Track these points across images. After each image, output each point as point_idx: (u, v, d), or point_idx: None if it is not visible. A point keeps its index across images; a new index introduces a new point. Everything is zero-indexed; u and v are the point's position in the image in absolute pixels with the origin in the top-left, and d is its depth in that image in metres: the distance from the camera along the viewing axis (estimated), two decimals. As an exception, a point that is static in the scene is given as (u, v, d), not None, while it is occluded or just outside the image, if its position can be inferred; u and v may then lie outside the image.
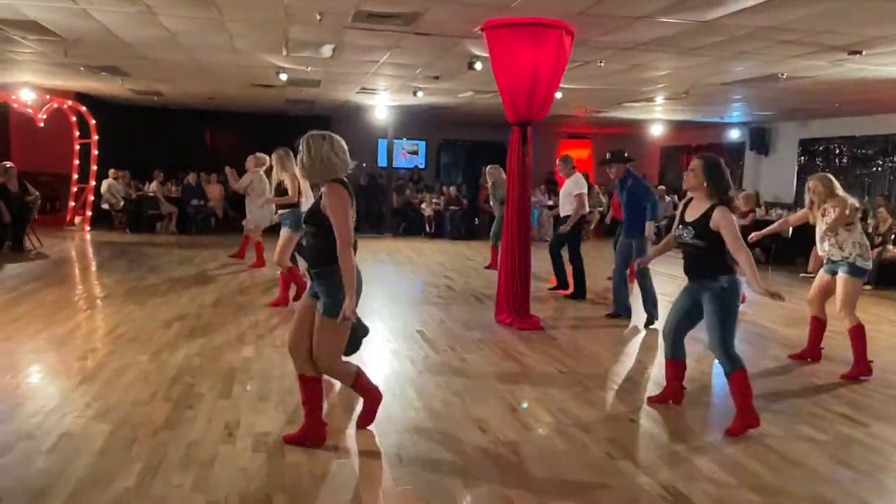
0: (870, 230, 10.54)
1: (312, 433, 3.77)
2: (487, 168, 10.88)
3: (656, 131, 17.21)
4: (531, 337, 6.46)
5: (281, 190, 7.32)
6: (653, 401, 4.65)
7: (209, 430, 3.96)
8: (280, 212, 7.42)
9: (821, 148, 15.21)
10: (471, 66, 8.53)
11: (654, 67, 8.92)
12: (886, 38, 6.80)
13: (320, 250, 3.57)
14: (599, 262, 11.12)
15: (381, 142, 19.89)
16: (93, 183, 14.04)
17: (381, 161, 18.50)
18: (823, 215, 5.52)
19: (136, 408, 4.27)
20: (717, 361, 4.31)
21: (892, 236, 10.34)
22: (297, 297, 7.40)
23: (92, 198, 14.01)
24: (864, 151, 14.20)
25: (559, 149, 21.60)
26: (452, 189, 15.56)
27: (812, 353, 5.87)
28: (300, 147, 3.57)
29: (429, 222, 15.29)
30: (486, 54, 8.20)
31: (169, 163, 16.52)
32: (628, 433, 4.17)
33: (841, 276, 5.44)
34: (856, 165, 14.37)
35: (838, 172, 14.74)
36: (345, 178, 3.60)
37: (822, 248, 5.58)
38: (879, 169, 13.85)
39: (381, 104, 14.74)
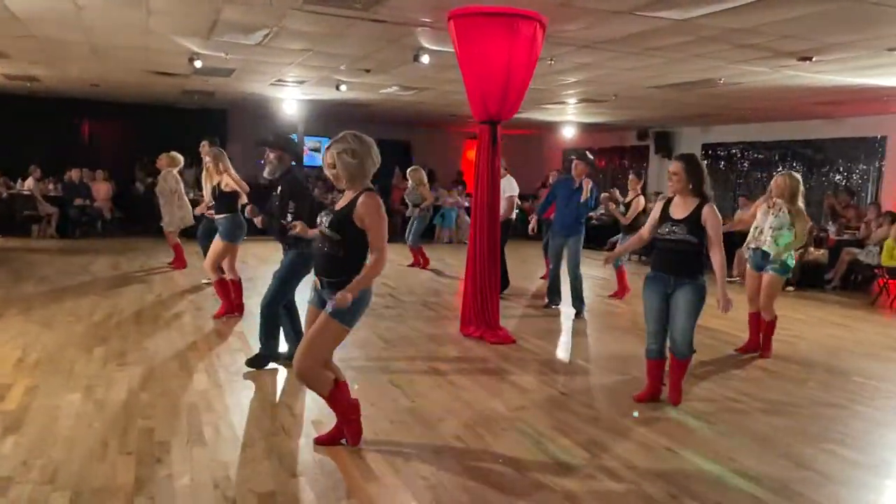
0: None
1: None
2: (409, 170, 10.62)
3: (567, 133, 17.26)
4: (508, 352, 5.99)
5: (222, 194, 6.49)
6: (637, 398, 4.72)
7: (197, 493, 3.19)
8: (216, 217, 6.56)
9: (723, 152, 15.76)
10: (416, 58, 7.95)
11: (601, 67, 8.71)
12: (841, 45, 6.87)
13: (341, 260, 3.43)
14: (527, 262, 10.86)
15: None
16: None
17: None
18: (770, 208, 5.90)
19: (91, 466, 3.42)
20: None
21: (812, 239, 10.74)
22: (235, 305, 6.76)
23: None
24: (763, 156, 14.82)
25: (463, 150, 21.40)
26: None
27: (755, 344, 6.20)
28: (336, 146, 3.39)
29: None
30: (437, 47, 7.79)
31: (41, 157, 14.67)
32: (677, 467, 3.77)
33: (769, 274, 5.91)
34: (756, 169, 14.98)
35: (739, 176, 15.49)
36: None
37: (759, 239, 5.93)
38: (778, 173, 14.46)
39: (291, 98, 13.78)
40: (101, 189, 13.57)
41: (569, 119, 16.18)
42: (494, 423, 4.25)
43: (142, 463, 3.47)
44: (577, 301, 7.55)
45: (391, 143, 19.88)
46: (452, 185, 18.73)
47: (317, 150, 20.11)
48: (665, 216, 4.47)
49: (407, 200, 10.74)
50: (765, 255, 5.93)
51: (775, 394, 5.12)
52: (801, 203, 5.90)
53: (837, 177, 13.27)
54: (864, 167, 12.77)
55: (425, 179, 10.69)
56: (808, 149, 13.78)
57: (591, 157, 7.77)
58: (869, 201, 12.19)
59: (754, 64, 7.96)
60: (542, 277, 9.81)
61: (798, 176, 5.95)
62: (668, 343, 4.60)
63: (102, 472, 3.35)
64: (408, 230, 10.79)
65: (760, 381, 5.47)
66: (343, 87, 11.12)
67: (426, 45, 7.75)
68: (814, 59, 7.46)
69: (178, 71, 10.71)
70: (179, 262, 9.56)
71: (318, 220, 3.53)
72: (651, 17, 6.06)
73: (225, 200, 6.43)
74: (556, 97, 12.09)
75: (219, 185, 6.44)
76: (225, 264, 6.67)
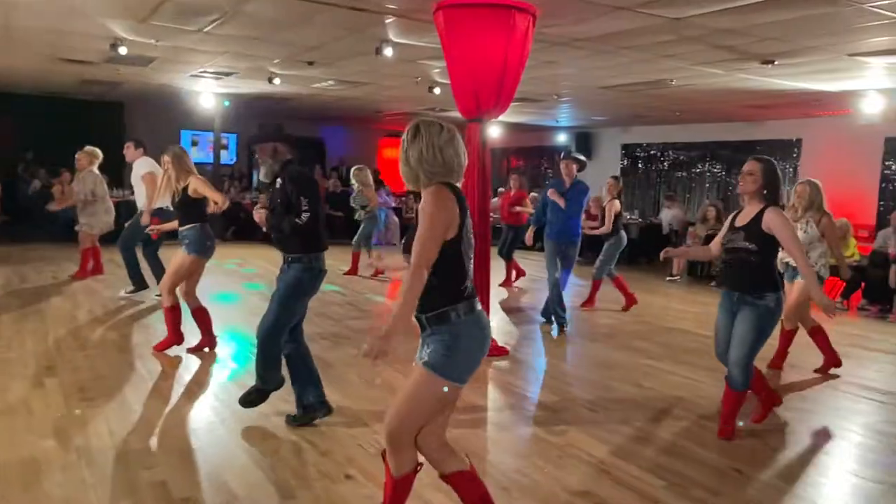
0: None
1: None
2: (353, 169, 10.04)
3: (493, 133, 17.08)
4: (509, 367, 5.63)
5: (188, 200, 5.43)
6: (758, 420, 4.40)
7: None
8: (181, 229, 5.47)
9: (642, 153, 16.12)
10: (379, 50, 7.42)
11: (562, 66, 8.52)
12: (808, 49, 6.98)
13: (433, 287, 2.48)
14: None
15: (183, 133, 17.61)
16: None
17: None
18: (796, 221, 5.50)
19: (115, 540, 2.77)
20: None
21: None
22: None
23: None
24: (683, 156, 15.26)
25: (378, 148, 20.84)
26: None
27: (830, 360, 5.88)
28: (408, 137, 2.60)
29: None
30: (404, 40, 7.32)
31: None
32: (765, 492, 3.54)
33: (799, 281, 5.50)
34: (676, 170, 15.41)
35: (660, 176, 15.89)
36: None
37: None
38: (696, 173, 14.97)
39: (208, 91, 12.79)
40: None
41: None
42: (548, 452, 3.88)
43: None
44: (556, 313, 7.09)
45: (304, 141, 19.13)
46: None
47: (225, 146, 18.96)
48: (731, 226, 4.14)
49: (353, 204, 10.13)
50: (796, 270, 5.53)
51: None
52: (826, 207, 5.58)
53: (756, 177, 13.82)
54: (781, 168, 13.34)
55: (370, 180, 10.07)
56: (727, 150, 14.30)
57: (582, 157, 7.47)
58: (786, 200, 12.75)
59: (716, 66, 8.01)
60: (500, 285, 9.51)
61: (817, 182, 5.70)
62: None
63: (131, 547, 2.72)
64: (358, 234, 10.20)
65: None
66: (276, 81, 10.36)
67: (392, 37, 7.25)
68: (776, 63, 7.58)
69: (90, 58, 9.61)
70: (83, 272, 8.59)
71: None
72: (648, 13, 5.87)
73: (193, 208, 5.47)
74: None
75: (185, 190, 5.44)
76: (182, 288, 5.56)
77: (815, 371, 5.80)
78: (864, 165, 11.82)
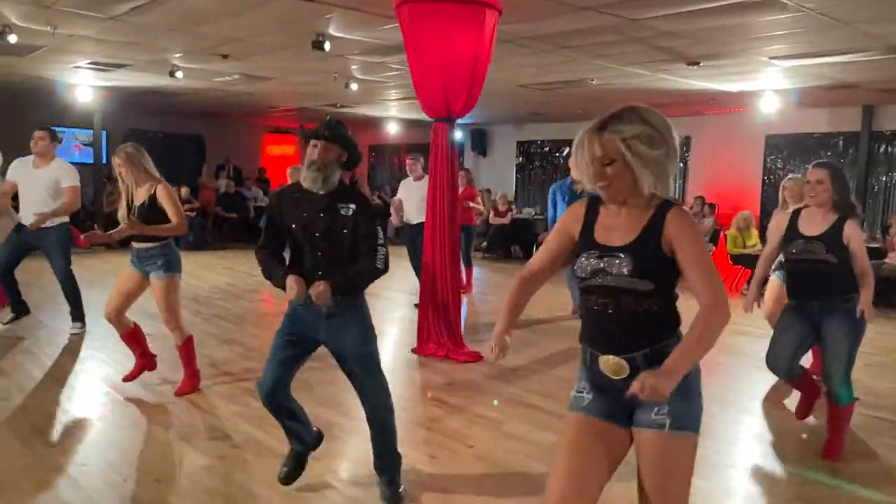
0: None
1: None
2: (289, 170, 9.29)
3: (392, 129, 16.79)
4: (492, 372, 5.47)
5: (154, 212, 4.39)
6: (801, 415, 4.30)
7: None
8: (143, 247, 4.44)
9: (537, 150, 16.46)
10: (318, 45, 6.98)
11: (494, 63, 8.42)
12: (733, 52, 7.35)
13: (655, 316, 1.99)
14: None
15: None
16: None
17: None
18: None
19: None
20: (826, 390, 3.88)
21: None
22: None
23: None
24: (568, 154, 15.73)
25: (263, 144, 19.91)
26: (185, 190, 13.05)
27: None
28: (619, 127, 1.98)
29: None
30: (344, 34, 6.95)
31: None
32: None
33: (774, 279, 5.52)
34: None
35: (556, 171, 16.28)
36: None
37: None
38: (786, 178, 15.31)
39: (86, 84, 11.59)
40: None
41: (392, 115, 15.75)
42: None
43: None
44: None
45: (184, 137, 17.92)
46: (260, 184, 17.36)
47: (91, 144, 17.33)
48: (795, 232, 3.84)
49: None
50: None
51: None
52: None
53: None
54: (671, 163, 14.11)
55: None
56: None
57: None
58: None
59: (644, 67, 8.26)
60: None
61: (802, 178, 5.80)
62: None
63: None
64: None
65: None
66: (179, 74, 9.54)
67: (332, 31, 6.86)
68: (701, 64, 7.92)
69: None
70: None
71: (581, 266, 2.07)
72: (609, 14, 5.91)
73: (160, 219, 4.42)
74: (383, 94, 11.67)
75: (152, 199, 4.39)
76: (115, 306, 4.57)
77: None
78: (748, 162, 12.69)
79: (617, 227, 2.05)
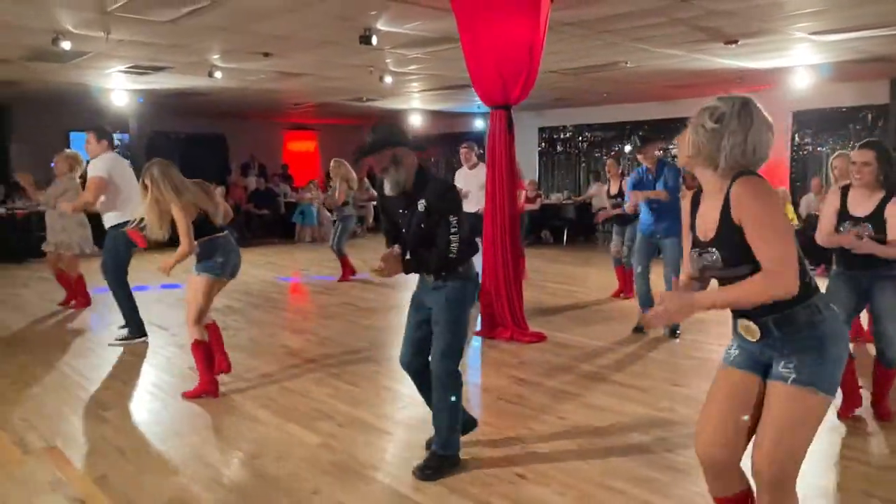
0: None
1: None
2: (332, 163, 9.38)
3: (415, 122, 16.91)
4: (557, 350, 5.64)
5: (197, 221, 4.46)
6: (843, 415, 4.09)
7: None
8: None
9: (559, 136, 16.57)
10: (365, 39, 7.13)
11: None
12: (770, 29, 7.44)
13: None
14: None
15: (73, 135, 16.16)
16: None
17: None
18: None
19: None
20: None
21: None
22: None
23: None
24: (600, 136, 15.84)
25: (283, 141, 20.09)
26: (220, 190, 13.20)
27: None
28: (728, 127, 2.11)
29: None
30: (391, 28, 7.09)
31: None
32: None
33: None
34: (594, 149, 15.97)
35: (580, 156, 16.41)
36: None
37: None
38: (615, 152, 15.59)
39: (120, 88, 11.78)
40: None
41: (415, 107, 15.87)
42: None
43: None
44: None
45: (206, 137, 18.11)
46: (281, 180, 17.52)
47: (120, 147, 17.53)
48: (844, 212, 3.91)
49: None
50: None
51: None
52: None
53: (658, 153, 14.64)
54: (695, 143, 14.19)
55: (353, 174, 9.29)
56: (641, 129, 15.00)
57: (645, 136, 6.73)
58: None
59: (679, 48, 8.36)
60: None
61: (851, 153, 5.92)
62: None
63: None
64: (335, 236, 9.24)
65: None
66: (218, 74, 9.71)
67: (381, 25, 7.00)
68: (739, 43, 8.01)
69: (7, 55, 8.60)
70: (84, 298, 7.43)
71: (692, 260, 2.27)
72: (659, -5, 6.04)
73: (202, 226, 4.51)
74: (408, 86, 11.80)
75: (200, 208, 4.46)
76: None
77: None
78: (776, 137, 12.74)
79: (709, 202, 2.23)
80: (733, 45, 8.12)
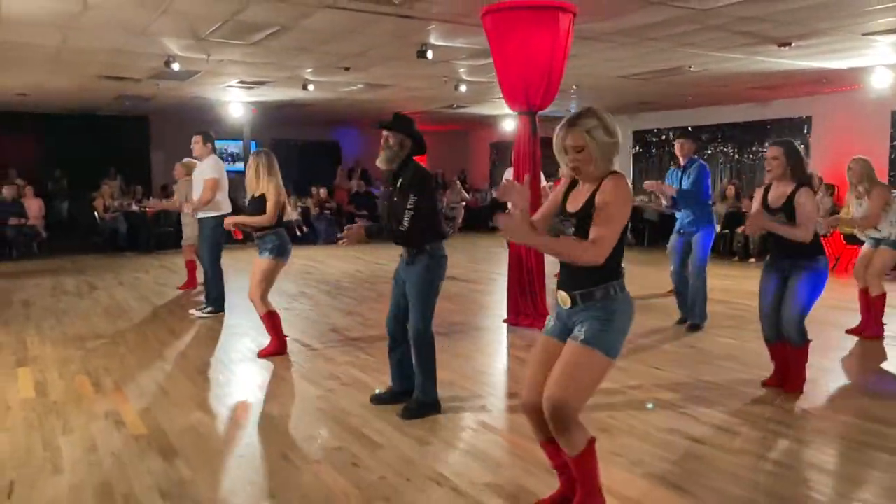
0: (744, 210, 11.70)
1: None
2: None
3: (508, 126, 17.53)
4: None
5: (258, 206, 5.48)
6: (768, 384, 4.63)
7: None
8: (258, 235, 5.51)
9: (653, 139, 16.60)
10: (421, 54, 7.91)
11: (582, 58, 8.98)
12: (822, 31, 7.46)
13: (593, 267, 2.63)
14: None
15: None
16: None
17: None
18: (858, 197, 5.91)
19: None
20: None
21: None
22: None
23: None
24: (693, 139, 15.70)
25: (390, 146, 21.28)
26: (322, 191, 14.52)
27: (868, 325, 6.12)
28: (584, 123, 2.62)
29: (298, 228, 14.11)
30: (444, 42, 7.81)
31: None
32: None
33: (882, 248, 5.90)
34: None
35: (672, 159, 16.35)
36: None
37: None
38: (709, 155, 15.45)
39: (237, 100, 13.28)
40: (34, 206, 12.56)
41: (507, 112, 16.46)
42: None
43: None
44: (688, 307, 6.44)
45: (321, 144, 19.65)
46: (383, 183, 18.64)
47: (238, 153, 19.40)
48: (764, 203, 4.45)
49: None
50: (877, 241, 5.98)
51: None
52: (877, 179, 5.90)
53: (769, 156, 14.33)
54: (791, 145, 13.84)
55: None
56: (737, 130, 14.80)
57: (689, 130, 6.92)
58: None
59: (734, 51, 8.49)
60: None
61: (866, 158, 6.00)
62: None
63: None
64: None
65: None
66: (311, 87, 10.85)
67: (434, 41, 7.75)
68: (792, 45, 8.06)
69: (135, 75, 10.12)
70: (192, 281, 8.68)
71: (555, 225, 2.81)
72: (677, 6, 6.36)
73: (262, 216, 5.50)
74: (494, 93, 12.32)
75: (262, 196, 5.46)
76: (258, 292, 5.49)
77: (848, 331, 6.14)
78: (873, 139, 12.28)
79: (579, 195, 2.76)
80: (787, 48, 8.16)
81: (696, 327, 6.31)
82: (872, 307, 6.06)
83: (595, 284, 2.66)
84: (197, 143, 7.30)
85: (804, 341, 4.45)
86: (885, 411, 4.18)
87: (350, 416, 4.13)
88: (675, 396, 4.47)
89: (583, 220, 2.67)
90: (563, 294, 2.75)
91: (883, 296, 6.00)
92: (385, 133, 4.07)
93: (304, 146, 19.77)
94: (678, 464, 3.43)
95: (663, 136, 16.37)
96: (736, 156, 14.97)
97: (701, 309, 6.34)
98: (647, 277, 9.57)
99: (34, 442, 3.74)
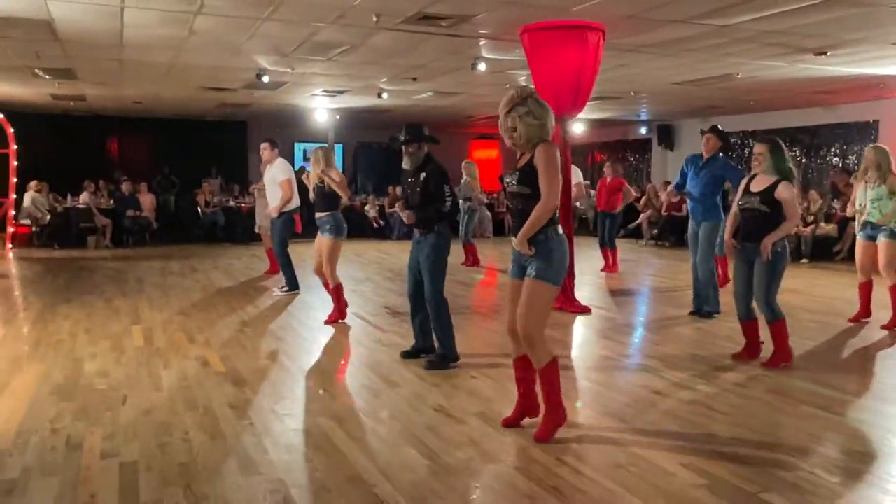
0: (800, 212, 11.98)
1: (532, 409, 3.80)
2: (463, 163, 11.21)
3: (577, 130, 18.20)
4: (594, 323, 6.91)
5: (324, 193, 6.63)
6: (736, 356, 5.28)
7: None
8: (318, 216, 6.66)
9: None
10: (474, 66, 8.86)
11: (633, 67, 9.66)
12: (853, 41, 7.88)
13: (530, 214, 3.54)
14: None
15: (296, 146, 19.68)
16: (13, 196, 12.83)
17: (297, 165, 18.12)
18: (867, 183, 6.33)
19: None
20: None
21: (822, 215, 11.80)
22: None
23: (13, 212, 12.81)
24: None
25: (469, 149, 22.31)
26: (398, 189, 15.64)
27: (866, 313, 6.60)
28: (517, 110, 3.52)
29: (376, 222, 15.34)
30: (494, 56, 8.71)
31: (76, 172, 15.27)
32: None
33: (882, 240, 6.28)
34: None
35: (740, 163, 16.54)
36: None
37: (864, 214, 6.37)
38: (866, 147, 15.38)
39: (322, 107, 14.62)
40: (147, 200, 14.29)
41: (578, 116, 17.09)
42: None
43: None
44: (699, 299, 6.92)
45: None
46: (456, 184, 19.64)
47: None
48: (746, 189, 5.07)
49: (458, 195, 11.28)
50: (874, 226, 6.30)
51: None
52: (893, 171, 6.18)
53: (835, 159, 14.40)
54: (858, 149, 13.87)
55: (477, 173, 11.09)
56: (805, 134, 14.92)
57: (722, 131, 7.18)
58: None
59: (774, 59, 8.97)
60: (601, 270, 10.34)
61: (884, 147, 6.40)
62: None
63: None
64: (461, 226, 10.82)
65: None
66: (385, 95, 11.98)
67: (485, 54, 8.66)
68: (829, 54, 8.48)
69: (233, 86, 11.52)
70: (273, 266, 9.57)
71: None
72: (700, 23, 7.02)
73: (329, 198, 6.62)
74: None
75: (324, 184, 6.55)
76: (316, 263, 6.72)
77: (882, 327, 6.36)
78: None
79: (522, 160, 3.71)
80: (824, 56, 8.59)
81: (708, 314, 6.90)
82: (893, 299, 6.33)
83: (539, 232, 3.54)
84: (265, 150, 8.43)
85: (775, 318, 5.06)
86: (841, 381, 4.79)
87: (382, 366, 5.12)
88: (659, 363, 5.22)
89: (524, 175, 3.60)
90: (514, 240, 3.67)
91: None
92: (408, 145, 5.11)
93: (388, 148, 21.01)
94: (633, 406, 4.23)
95: (732, 139, 16.56)
96: (803, 159, 15.08)
97: (713, 298, 6.89)
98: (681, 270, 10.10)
99: (142, 373, 4.93)
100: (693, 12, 6.65)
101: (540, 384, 3.67)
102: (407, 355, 5.31)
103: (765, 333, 5.22)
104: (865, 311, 6.64)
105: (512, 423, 3.82)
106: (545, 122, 3.58)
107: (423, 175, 5.04)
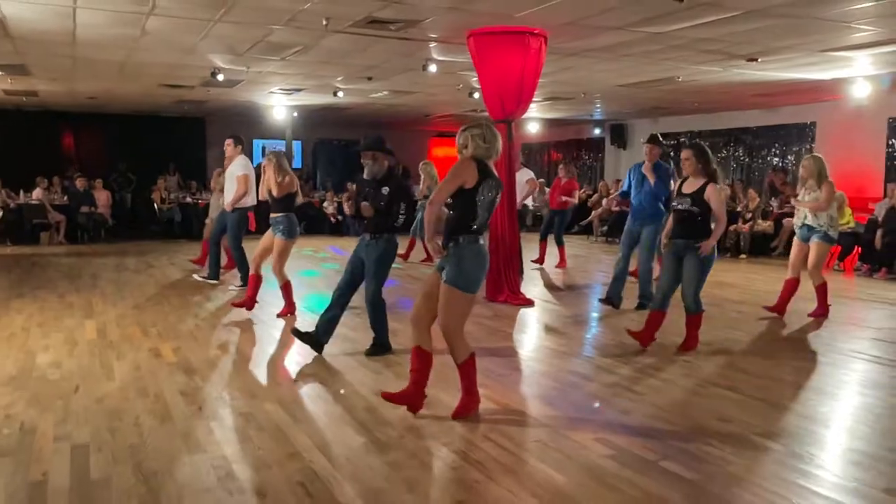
0: (738, 209, 12.54)
1: (414, 399, 4.00)
2: (420, 164, 11.44)
3: (533, 129, 18.63)
4: (535, 313, 7.26)
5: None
6: (632, 333, 5.67)
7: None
8: (273, 216, 6.78)
9: (671, 141, 17.40)
10: (425, 67, 9.13)
11: (579, 70, 10.05)
12: (783, 48, 8.37)
13: (450, 221, 3.86)
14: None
15: (255, 142, 19.71)
16: (-36, 193, 12.74)
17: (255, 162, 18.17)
18: (807, 190, 6.75)
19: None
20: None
21: (760, 213, 12.37)
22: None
23: (-36, 209, 12.72)
24: (709, 143, 16.38)
25: (429, 147, 22.61)
26: (356, 186, 15.85)
27: (781, 309, 6.99)
28: (472, 130, 3.87)
29: (334, 218, 15.54)
30: (444, 58, 9.00)
31: (29, 168, 15.17)
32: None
33: (814, 241, 6.70)
34: (703, 155, 16.63)
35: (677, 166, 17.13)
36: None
37: (800, 215, 6.85)
38: (722, 158, 16.19)
39: (280, 105, 14.75)
40: (102, 196, 14.26)
41: (532, 115, 17.55)
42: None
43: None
44: (643, 296, 7.26)
45: (358, 143, 21.01)
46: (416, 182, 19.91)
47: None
48: (679, 192, 5.47)
49: (418, 195, 11.53)
50: (810, 228, 6.71)
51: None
52: (828, 178, 6.60)
53: (775, 159, 15.04)
54: (797, 149, 14.52)
55: (435, 173, 11.29)
56: (748, 135, 15.54)
57: (661, 138, 7.63)
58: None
59: (709, 65, 9.44)
60: (532, 261, 10.76)
61: (820, 156, 6.90)
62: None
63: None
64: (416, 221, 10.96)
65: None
66: (340, 94, 12.19)
67: (435, 56, 8.95)
68: (759, 60, 8.97)
69: (189, 83, 11.62)
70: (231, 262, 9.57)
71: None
72: (635, 30, 7.41)
73: (284, 199, 6.80)
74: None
75: (280, 185, 6.70)
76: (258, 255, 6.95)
77: (809, 315, 6.95)
78: (870, 145, 12.93)
79: None
80: (755, 62, 9.07)
81: (642, 306, 7.32)
82: (818, 294, 6.90)
83: (450, 236, 3.86)
84: (229, 146, 8.50)
85: (699, 310, 5.50)
86: (751, 365, 5.21)
87: (328, 356, 5.38)
88: (592, 350, 5.59)
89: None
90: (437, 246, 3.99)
91: (824, 284, 6.88)
92: (364, 156, 5.30)
93: (347, 146, 21.17)
94: (557, 388, 4.58)
95: (681, 139, 17.14)
96: (746, 159, 15.71)
97: (649, 292, 7.30)
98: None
99: (95, 364, 5.11)
100: (630, 20, 7.03)
101: (459, 375, 3.99)
102: (317, 347, 5.45)
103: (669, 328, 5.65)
104: (782, 306, 6.98)
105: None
106: (492, 145, 3.91)
107: (384, 189, 5.22)
